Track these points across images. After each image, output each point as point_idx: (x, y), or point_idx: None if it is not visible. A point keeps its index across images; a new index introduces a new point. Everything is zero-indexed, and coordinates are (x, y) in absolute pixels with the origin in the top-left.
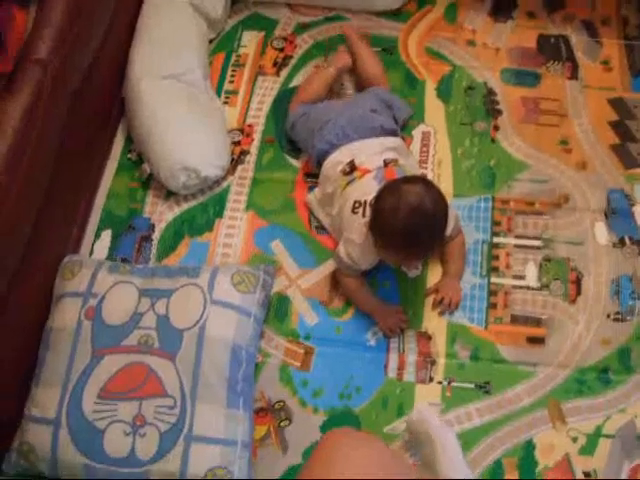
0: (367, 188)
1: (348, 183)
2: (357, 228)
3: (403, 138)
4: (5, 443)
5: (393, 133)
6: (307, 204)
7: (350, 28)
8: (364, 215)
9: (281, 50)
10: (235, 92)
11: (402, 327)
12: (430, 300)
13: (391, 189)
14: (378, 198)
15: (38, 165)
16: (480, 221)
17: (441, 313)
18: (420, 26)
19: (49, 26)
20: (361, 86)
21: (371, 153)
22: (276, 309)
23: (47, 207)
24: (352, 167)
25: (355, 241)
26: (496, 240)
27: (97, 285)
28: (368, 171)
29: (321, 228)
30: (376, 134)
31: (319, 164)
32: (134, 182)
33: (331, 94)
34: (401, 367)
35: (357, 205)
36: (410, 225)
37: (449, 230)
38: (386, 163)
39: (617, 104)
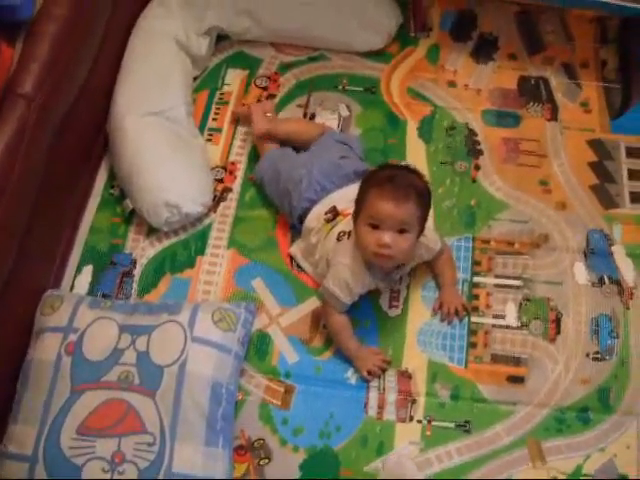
0: (350, 223)
1: (332, 228)
2: (344, 251)
3: None
4: None
5: (365, 174)
6: (291, 256)
7: (258, 132)
8: (349, 238)
9: (265, 89)
10: (218, 130)
11: (383, 368)
12: (411, 339)
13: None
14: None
15: (20, 199)
16: (461, 261)
17: (450, 322)
18: (402, 67)
19: (34, 61)
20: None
21: (351, 199)
22: (257, 347)
23: (28, 241)
24: (335, 213)
25: (344, 262)
26: (476, 280)
27: (78, 320)
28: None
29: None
30: (351, 180)
31: (300, 221)
32: (116, 217)
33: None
34: (381, 406)
35: (342, 234)
36: (393, 169)
37: (437, 246)
38: None
39: (596, 145)
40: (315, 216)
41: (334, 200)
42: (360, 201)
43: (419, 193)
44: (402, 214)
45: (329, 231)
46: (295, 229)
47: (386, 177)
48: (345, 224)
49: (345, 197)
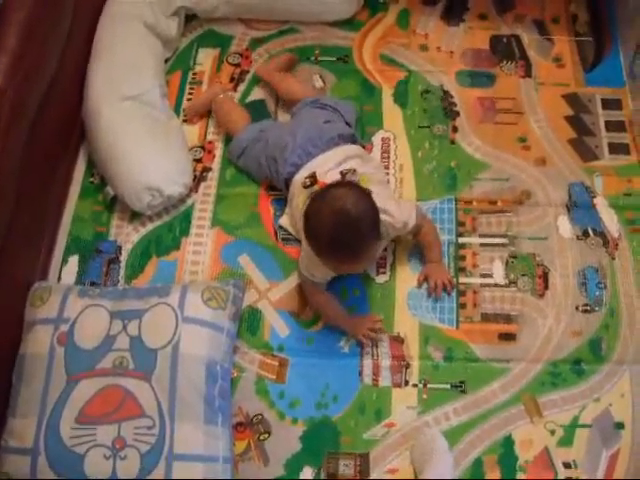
0: None
1: (309, 195)
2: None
3: (363, 146)
4: None
5: (351, 138)
6: (283, 227)
7: (260, 68)
8: None
9: (237, 65)
10: None
11: (377, 329)
12: (400, 303)
13: (317, 195)
14: (307, 205)
15: (0, 193)
16: (445, 223)
17: (437, 296)
18: (373, 34)
19: (3, 53)
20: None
21: (332, 166)
22: (248, 323)
23: (12, 235)
24: (313, 180)
25: (305, 248)
26: (462, 240)
27: (67, 310)
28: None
29: (287, 240)
30: (335, 143)
31: (287, 186)
32: (98, 205)
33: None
34: (376, 372)
35: None
36: (333, 229)
37: (410, 222)
38: (343, 175)
39: (571, 99)
40: (298, 182)
41: (316, 165)
42: (311, 243)
43: (368, 235)
44: (361, 266)
45: (306, 198)
46: (278, 203)
47: (332, 239)
48: None
49: (328, 161)
